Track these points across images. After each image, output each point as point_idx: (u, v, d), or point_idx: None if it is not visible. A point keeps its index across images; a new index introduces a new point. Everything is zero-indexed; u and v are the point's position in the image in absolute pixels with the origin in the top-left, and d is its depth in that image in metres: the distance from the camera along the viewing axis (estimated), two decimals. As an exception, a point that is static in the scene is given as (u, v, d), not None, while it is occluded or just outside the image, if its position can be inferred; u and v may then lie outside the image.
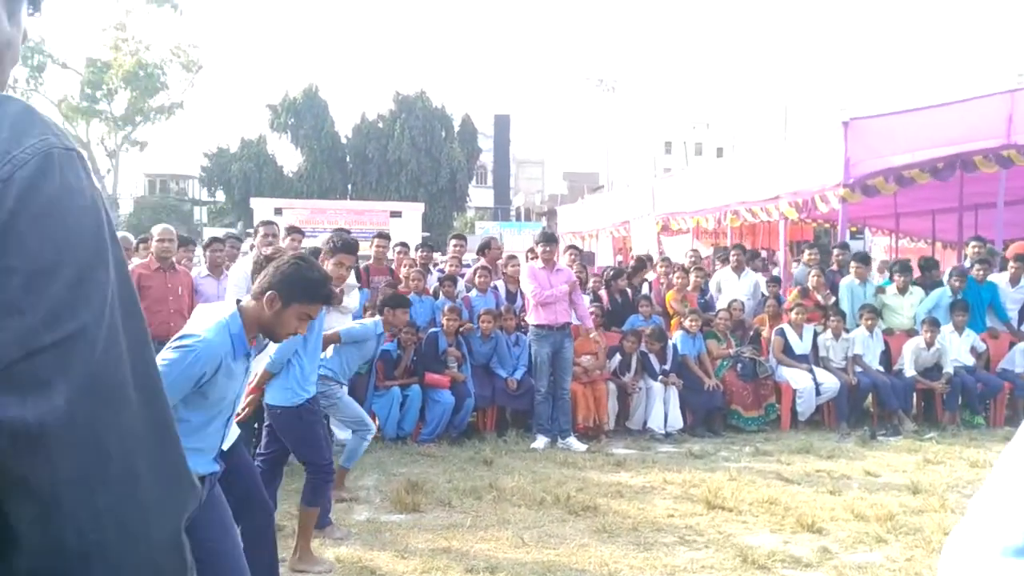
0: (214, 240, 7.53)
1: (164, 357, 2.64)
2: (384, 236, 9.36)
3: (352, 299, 7.11)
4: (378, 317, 5.67)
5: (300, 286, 2.90)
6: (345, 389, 5.46)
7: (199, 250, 9.78)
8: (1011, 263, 9.41)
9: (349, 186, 40.26)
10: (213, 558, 2.82)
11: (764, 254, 13.86)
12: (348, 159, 40.31)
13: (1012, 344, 8.73)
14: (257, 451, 4.60)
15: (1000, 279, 9.24)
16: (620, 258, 17.22)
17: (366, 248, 10.70)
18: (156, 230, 6.18)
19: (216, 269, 7.04)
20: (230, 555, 2.87)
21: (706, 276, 9.82)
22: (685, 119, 59.19)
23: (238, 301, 2.93)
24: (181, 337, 2.69)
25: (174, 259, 6.66)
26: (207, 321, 2.78)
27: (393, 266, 9.05)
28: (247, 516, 3.57)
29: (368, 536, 4.82)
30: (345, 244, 4.96)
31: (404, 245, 9.59)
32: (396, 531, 4.90)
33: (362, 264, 8.89)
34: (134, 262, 6.66)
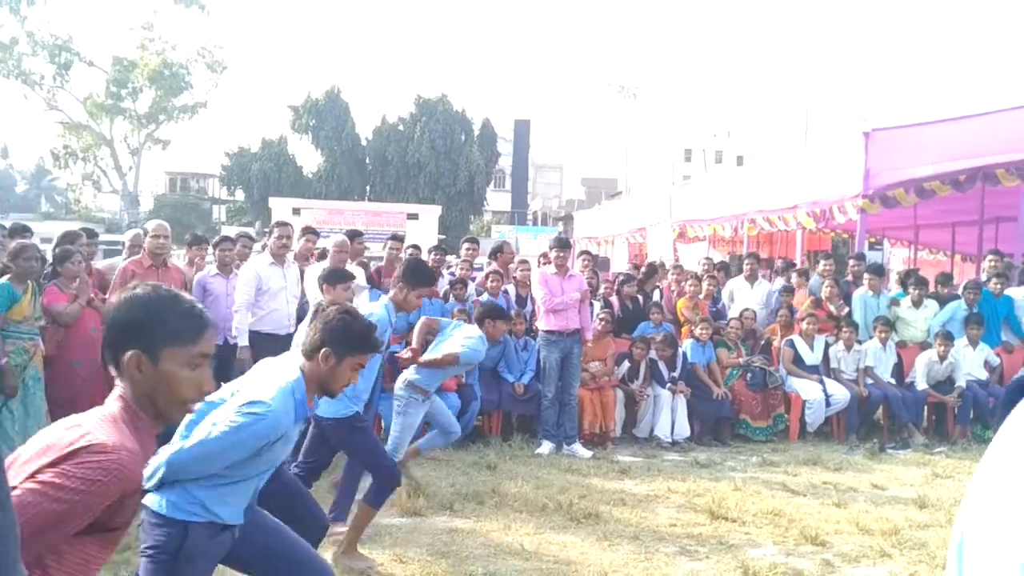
0: (224, 239, 7.55)
1: (232, 421, 2.63)
2: (397, 238, 9.39)
3: (363, 301, 7.15)
4: (479, 330, 5.69)
5: (351, 339, 2.94)
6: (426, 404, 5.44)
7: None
8: (1029, 277, 9.30)
9: (368, 188, 40.49)
10: (273, 562, 2.89)
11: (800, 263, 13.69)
12: (368, 161, 40.54)
13: (1029, 359, 8.61)
14: (298, 459, 4.59)
15: (1017, 293, 9.12)
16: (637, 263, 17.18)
17: (379, 250, 10.76)
18: (150, 226, 6.13)
19: (225, 268, 7.08)
20: (285, 552, 2.92)
21: (718, 284, 9.77)
22: (706, 127, 58.96)
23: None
24: (250, 403, 2.67)
25: (167, 256, 6.64)
26: (272, 386, 2.76)
27: (405, 268, 9.08)
28: (300, 531, 3.63)
29: (368, 539, 4.81)
30: (427, 276, 4.71)
31: (416, 248, 9.61)
32: (396, 534, 4.90)
33: (373, 266, 8.95)
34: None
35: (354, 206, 30.12)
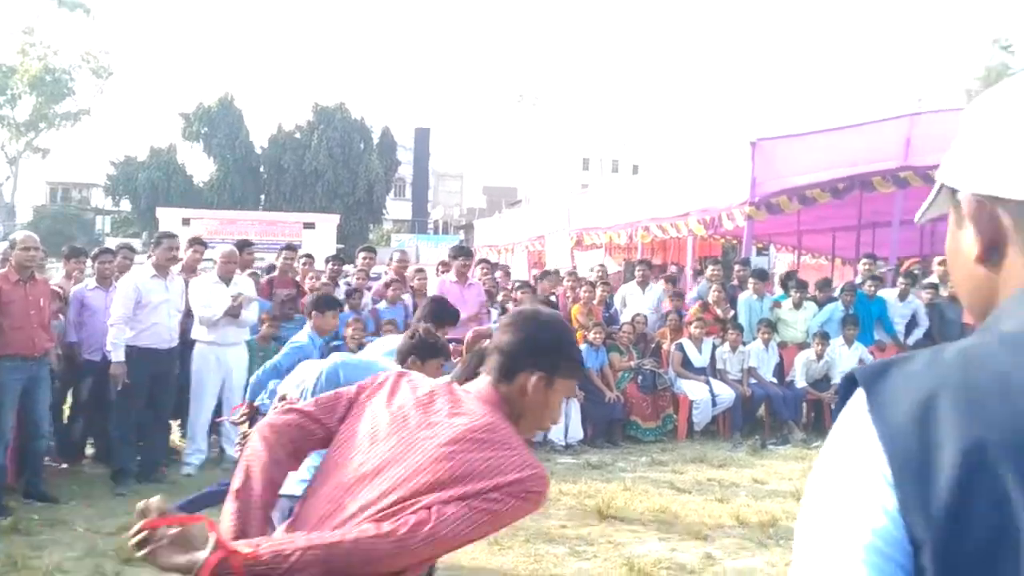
0: (104, 251, 7.26)
1: None
2: (292, 248, 9.26)
3: (251, 312, 6.99)
4: None
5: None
6: None
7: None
8: (900, 279, 9.87)
9: (262, 197, 39.52)
10: None
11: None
12: (262, 169, 39.58)
13: (898, 356, 9.12)
14: None
15: (889, 294, 9.66)
16: (535, 272, 17.36)
17: (274, 260, 10.55)
18: (18, 237, 5.79)
19: (105, 281, 6.80)
20: None
21: (611, 290, 10.00)
22: (603, 136, 60.13)
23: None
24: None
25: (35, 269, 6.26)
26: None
27: (298, 277, 8.92)
28: None
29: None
30: (452, 314, 4.48)
31: (310, 256, 9.47)
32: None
33: (266, 277, 8.77)
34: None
35: (247, 215, 29.39)
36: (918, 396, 0.72)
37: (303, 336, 5.04)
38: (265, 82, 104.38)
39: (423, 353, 3.26)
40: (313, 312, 5.07)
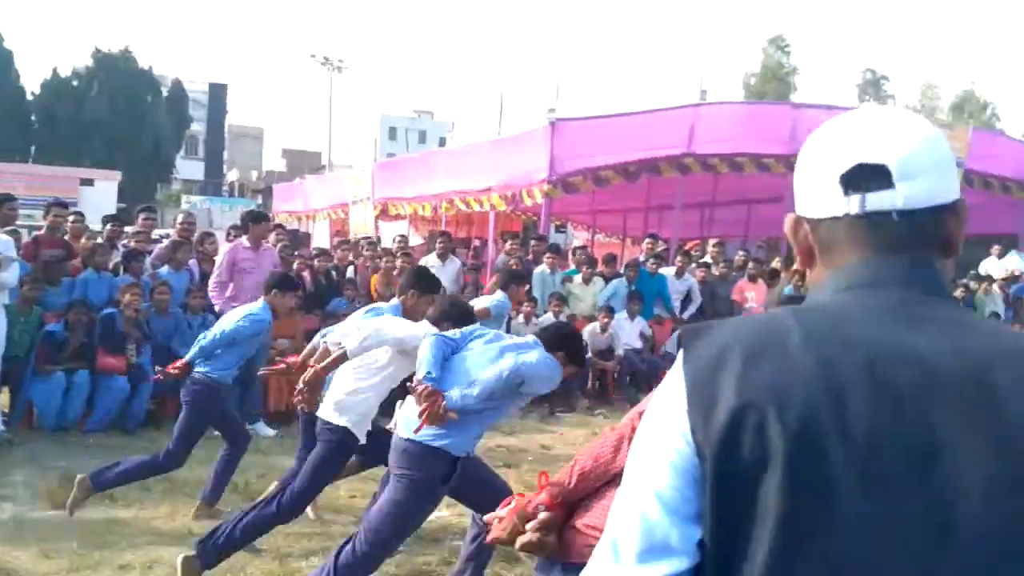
0: None
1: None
2: (62, 205, 8.51)
3: (11, 273, 6.35)
4: (501, 293, 6.24)
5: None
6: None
7: None
8: (677, 258, 10.60)
9: (32, 148, 35.80)
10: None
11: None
12: (33, 118, 35.84)
13: (674, 329, 9.82)
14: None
15: (669, 272, 10.34)
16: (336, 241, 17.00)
17: (40, 219, 9.64)
18: None
19: None
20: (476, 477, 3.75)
21: (413, 261, 9.99)
22: (410, 106, 59.88)
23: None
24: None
25: None
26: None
27: (67, 237, 8.20)
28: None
29: (10, 535, 4.32)
30: (436, 283, 4.84)
31: (80, 215, 8.73)
32: (44, 529, 4.44)
33: (31, 235, 8.02)
34: None
35: (14, 168, 26.42)
36: (717, 350, 0.91)
37: (258, 308, 4.96)
38: (39, 21, 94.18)
39: (458, 321, 3.73)
40: (274, 291, 5.02)
